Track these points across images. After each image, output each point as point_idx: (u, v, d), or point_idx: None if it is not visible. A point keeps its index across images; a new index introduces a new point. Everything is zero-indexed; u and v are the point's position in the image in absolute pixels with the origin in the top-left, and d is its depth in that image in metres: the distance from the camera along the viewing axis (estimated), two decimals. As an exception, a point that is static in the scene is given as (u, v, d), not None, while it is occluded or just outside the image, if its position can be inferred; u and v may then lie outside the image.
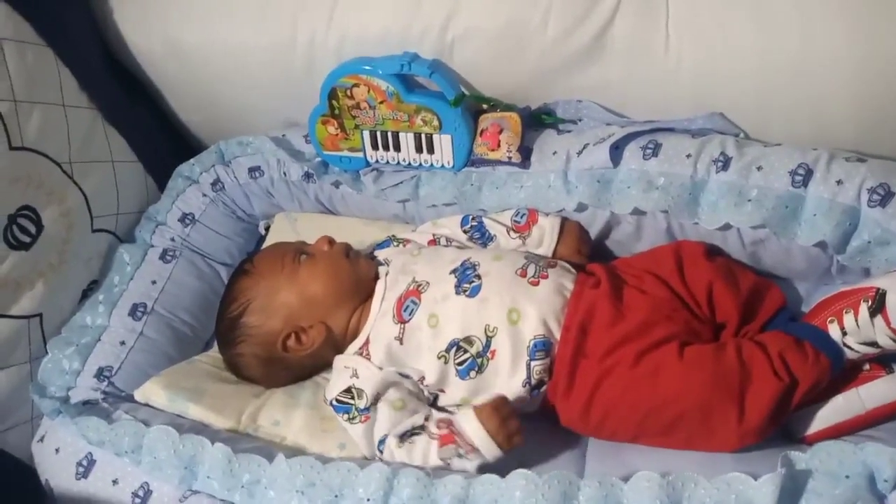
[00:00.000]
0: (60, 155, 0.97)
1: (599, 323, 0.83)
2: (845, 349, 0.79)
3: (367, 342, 0.89)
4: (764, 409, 0.75)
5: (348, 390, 0.86)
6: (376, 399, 0.85)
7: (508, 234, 0.97)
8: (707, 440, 0.78)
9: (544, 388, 0.85)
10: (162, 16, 1.07)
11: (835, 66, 0.85)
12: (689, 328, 0.83)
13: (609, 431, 0.82)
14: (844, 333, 0.78)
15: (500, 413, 0.79)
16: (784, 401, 0.76)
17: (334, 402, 0.86)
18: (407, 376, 0.87)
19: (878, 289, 0.77)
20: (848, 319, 0.78)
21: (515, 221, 0.97)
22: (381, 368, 0.87)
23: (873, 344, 0.77)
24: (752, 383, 0.76)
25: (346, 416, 0.85)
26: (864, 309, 0.77)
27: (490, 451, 0.78)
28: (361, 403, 0.84)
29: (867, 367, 0.81)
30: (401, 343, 0.87)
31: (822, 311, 0.82)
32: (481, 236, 0.98)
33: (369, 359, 0.88)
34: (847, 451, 0.68)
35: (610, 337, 0.82)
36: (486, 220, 0.98)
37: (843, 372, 0.80)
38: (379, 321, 0.90)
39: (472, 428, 0.78)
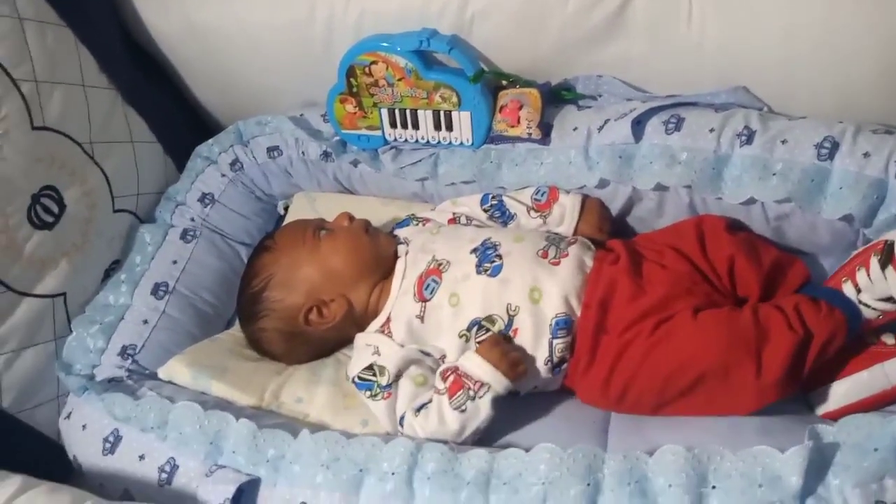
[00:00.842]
0: (81, 135, 0.98)
1: (620, 299, 0.83)
2: (862, 307, 0.78)
3: (388, 320, 0.90)
4: (781, 362, 0.75)
5: (370, 367, 0.86)
6: (398, 376, 0.85)
7: (529, 213, 0.96)
8: (728, 400, 0.77)
9: (566, 366, 0.85)
10: (179, -5, 1.07)
11: (859, 38, 0.84)
12: (709, 301, 0.82)
13: (631, 403, 0.82)
14: (859, 291, 0.78)
15: (500, 346, 0.82)
16: (800, 354, 0.75)
17: (356, 380, 0.87)
18: (428, 354, 0.87)
19: (887, 241, 0.76)
20: (861, 276, 0.77)
21: (536, 200, 0.96)
22: (402, 346, 0.87)
23: (889, 299, 0.76)
24: (768, 339, 0.76)
25: (368, 392, 0.85)
26: (874, 262, 0.76)
27: (498, 381, 0.80)
28: (383, 380, 0.85)
29: (892, 341, 0.80)
30: (422, 321, 0.87)
31: (840, 274, 0.81)
32: (501, 215, 0.98)
33: (391, 336, 0.88)
34: (875, 423, 0.67)
35: (631, 312, 0.81)
36: (506, 199, 0.98)
37: (867, 347, 0.79)
38: (400, 299, 0.90)
39: (476, 364, 0.81)
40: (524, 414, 0.85)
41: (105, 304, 0.99)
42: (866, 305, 0.78)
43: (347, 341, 0.95)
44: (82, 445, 0.88)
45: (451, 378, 0.82)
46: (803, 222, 0.87)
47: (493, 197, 0.99)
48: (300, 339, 0.94)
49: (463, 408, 0.80)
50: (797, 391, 0.79)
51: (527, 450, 0.73)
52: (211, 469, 0.80)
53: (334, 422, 0.87)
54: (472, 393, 0.80)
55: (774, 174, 0.84)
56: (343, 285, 0.92)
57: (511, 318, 0.85)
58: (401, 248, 0.96)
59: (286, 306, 0.93)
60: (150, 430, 0.84)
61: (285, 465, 0.78)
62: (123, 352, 0.95)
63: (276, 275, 0.93)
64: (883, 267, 0.76)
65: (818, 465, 0.66)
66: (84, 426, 0.88)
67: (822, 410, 0.81)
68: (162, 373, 0.94)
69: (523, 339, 0.84)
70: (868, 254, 0.78)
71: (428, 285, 0.88)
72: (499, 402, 0.81)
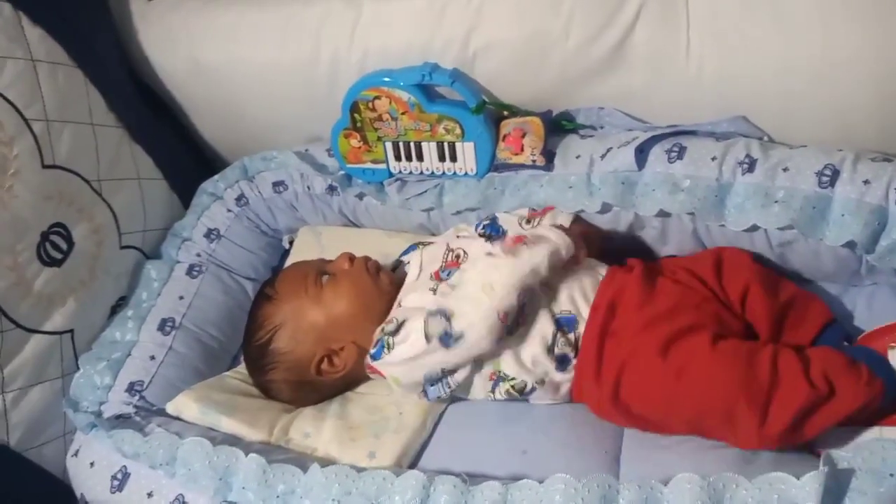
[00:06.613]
0: (90, 173, 0.99)
1: (628, 304, 0.83)
2: None
3: (399, 301, 0.90)
4: (788, 416, 0.72)
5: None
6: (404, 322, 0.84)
7: (520, 223, 0.95)
8: (730, 434, 0.76)
9: (570, 366, 0.84)
10: (186, 35, 1.09)
11: (856, 66, 0.85)
12: (718, 319, 0.82)
13: (635, 417, 0.81)
14: None
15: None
16: (813, 412, 0.72)
17: (371, 353, 0.86)
18: None
19: None
20: None
21: (531, 210, 0.97)
22: None
23: None
24: (779, 388, 0.73)
25: (385, 354, 0.83)
26: None
27: (560, 237, 0.86)
28: (390, 328, 0.84)
29: None
30: (434, 294, 0.87)
31: (885, 336, 0.79)
32: (495, 232, 0.97)
33: (400, 307, 0.89)
34: (890, 448, 0.67)
35: (638, 318, 0.82)
36: (499, 216, 0.98)
37: None
38: (413, 283, 0.91)
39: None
40: (534, 444, 0.85)
41: (112, 340, 0.99)
42: None
43: (357, 383, 0.95)
44: (90, 483, 0.87)
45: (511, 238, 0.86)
46: (806, 249, 0.87)
47: (486, 217, 0.99)
48: (310, 387, 0.93)
49: (525, 241, 0.84)
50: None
51: (540, 481, 0.73)
52: (221, 505, 0.79)
53: (341, 455, 0.87)
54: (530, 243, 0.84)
55: (776, 202, 0.85)
56: (351, 331, 0.91)
57: (523, 305, 0.84)
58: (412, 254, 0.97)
59: (295, 358, 0.92)
60: (158, 467, 0.83)
61: (296, 500, 0.78)
62: (131, 388, 0.94)
63: (281, 326, 0.92)
64: None
65: (834, 492, 0.65)
66: (92, 463, 0.88)
67: (815, 449, 0.78)
68: (170, 407, 0.93)
69: (531, 325, 0.84)
70: None
71: (449, 273, 0.89)
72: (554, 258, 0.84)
